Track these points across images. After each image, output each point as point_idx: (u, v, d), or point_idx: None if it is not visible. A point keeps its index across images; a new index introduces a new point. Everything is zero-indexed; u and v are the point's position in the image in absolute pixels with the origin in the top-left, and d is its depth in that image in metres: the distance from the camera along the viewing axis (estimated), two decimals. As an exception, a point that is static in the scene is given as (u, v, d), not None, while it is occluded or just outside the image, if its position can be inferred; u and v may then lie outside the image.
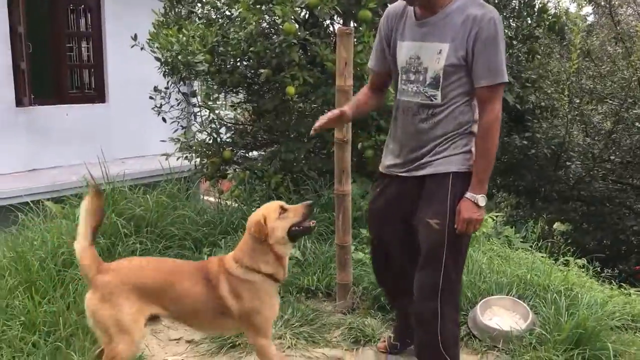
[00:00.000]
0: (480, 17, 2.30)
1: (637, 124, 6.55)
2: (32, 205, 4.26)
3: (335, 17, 5.09)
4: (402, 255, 2.78)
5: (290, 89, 4.62)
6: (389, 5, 4.89)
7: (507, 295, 3.46)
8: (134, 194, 4.49)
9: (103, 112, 8.49)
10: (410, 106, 2.49)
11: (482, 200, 2.40)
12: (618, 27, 7.29)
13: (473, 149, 2.46)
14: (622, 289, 4.16)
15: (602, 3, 7.23)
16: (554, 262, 4.42)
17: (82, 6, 8.40)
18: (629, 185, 7.66)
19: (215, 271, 2.52)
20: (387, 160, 2.68)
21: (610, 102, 6.73)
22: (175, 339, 3.29)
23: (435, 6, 2.39)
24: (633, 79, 6.54)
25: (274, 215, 2.47)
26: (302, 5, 4.43)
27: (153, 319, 2.54)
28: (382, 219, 2.78)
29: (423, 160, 2.49)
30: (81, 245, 2.42)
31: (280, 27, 4.55)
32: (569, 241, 7.44)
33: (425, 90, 2.44)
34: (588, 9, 10.15)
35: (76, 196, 4.54)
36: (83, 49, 8.53)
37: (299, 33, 4.52)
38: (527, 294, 3.49)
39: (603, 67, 7.37)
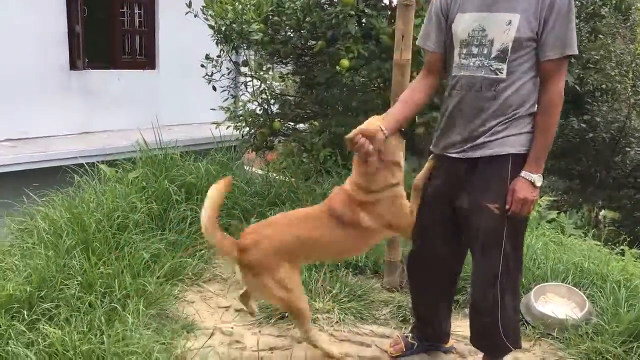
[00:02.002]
0: None
1: None
2: (87, 167, 4.32)
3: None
4: (445, 246, 2.60)
5: (345, 62, 4.54)
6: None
7: (563, 283, 3.37)
8: (185, 162, 4.52)
9: (153, 78, 8.57)
10: (472, 82, 2.34)
11: (538, 180, 2.29)
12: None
13: (534, 131, 2.34)
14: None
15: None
16: (609, 251, 4.29)
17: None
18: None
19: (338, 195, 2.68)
20: (440, 140, 2.52)
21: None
22: (224, 307, 3.32)
23: None
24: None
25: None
26: (362, -24, 4.32)
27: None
28: (429, 205, 2.60)
29: (480, 141, 2.35)
30: (214, 236, 2.49)
31: (338, -2, 4.48)
32: (620, 229, 7.22)
33: (491, 63, 2.30)
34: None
35: (129, 160, 4.61)
36: (136, 14, 8.58)
37: (357, 5, 4.42)
38: (584, 282, 3.39)
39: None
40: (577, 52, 2.28)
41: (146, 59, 8.68)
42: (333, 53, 4.82)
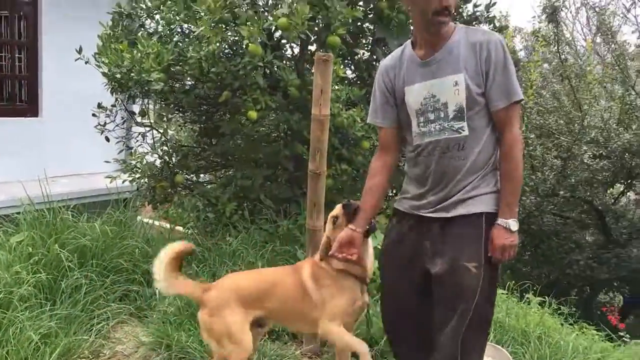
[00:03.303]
0: (487, 42, 2.29)
1: (585, 159, 6.71)
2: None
3: (298, 42, 4.92)
4: (419, 308, 2.53)
5: (252, 113, 4.38)
6: (350, 29, 4.91)
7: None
8: (78, 221, 4.09)
9: (36, 126, 7.89)
10: (437, 145, 2.38)
11: (514, 224, 2.29)
12: (564, 65, 7.50)
13: (499, 188, 2.38)
14: (586, 330, 4.14)
15: (551, 41, 7.41)
16: (516, 300, 4.37)
17: (18, 14, 7.82)
18: (570, 218, 7.86)
19: (303, 264, 2.79)
20: (408, 201, 2.54)
21: (562, 138, 6.87)
22: None
23: (439, 42, 2.36)
24: (584, 116, 6.72)
25: (330, 227, 2.68)
26: (270, 27, 4.21)
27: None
28: (400, 266, 2.55)
29: (454, 199, 2.36)
30: (179, 281, 2.65)
31: (243, 48, 4.33)
32: (512, 273, 7.54)
33: (451, 124, 2.35)
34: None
35: (8, 219, 4.10)
36: (16, 58, 7.92)
37: (265, 55, 4.29)
38: (506, 339, 3.37)
39: (549, 103, 7.56)
40: (522, 97, 2.35)
41: (27, 105, 7.99)
42: (237, 103, 4.65)
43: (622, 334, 4.61)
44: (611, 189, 8.05)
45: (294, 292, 2.67)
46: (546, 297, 4.54)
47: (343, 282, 2.63)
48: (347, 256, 2.52)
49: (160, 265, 2.61)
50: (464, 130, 2.34)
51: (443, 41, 2.35)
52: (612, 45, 8.07)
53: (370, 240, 2.70)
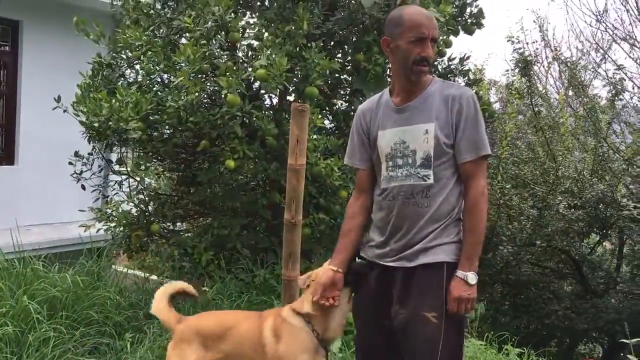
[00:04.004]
0: (460, 96, 2.36)
1: (560, 209, 6.79)
2: None
3: (277, 92, 4.99)
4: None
5: (230, 163, 4.38)
6: (329, 80, 5.00)
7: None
8: (48, 272, 3.99)
9: (11, 174, 7.81)
10: (402, 190, 2.42)
11: (472, 277, 2.30)
12: (538, 117, 7.68)
13: (462, 238, 2.39)
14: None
15: (524, 94, 7.62)
16: (495, 352, 4.33)
17: (-2, 62, 7.85)
18: (548, 268, 7.90)
19: (269, 314, 2.72)
20: (372, 249, 2.55)
21: (537, 188, 6.97)
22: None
23: (415, 91, 2.44)
24: (558, 167, 6.84)
25: (325, 264, 2.57)
26: (249, 78, 4.27)
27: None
28: (370, 318, 2.55)
29: (417, 248, 2.37)
30: (160, 306, 2.79)
31: (222, 98, 4.37)
32: (493, 323, 7.49)
33: (417, 171, 2.40)
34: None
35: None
36: (-6, 106, 7.90)
37: (243, 105, 4.33)
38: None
39: (525, 154, 7.71)
40: (489, 152, 2.41)
41: (3, 153, 7.93)
42: (216, 152, 4.66)
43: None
44: (587, 239, 8.13)
45: (250, 340, 2.63)
46: (524, 349, 4.49)
47: (303, 341, 2.55)
48: (331, 301, 2.49)
49: (162, 291, 2.84)
50: (429, 179, 2.38)
51: (419, 91, 2.43)
52: (584, 99, 8.33)
53: (346, 296, 2.58)
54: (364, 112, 2.62)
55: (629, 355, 3.59)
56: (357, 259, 2.54)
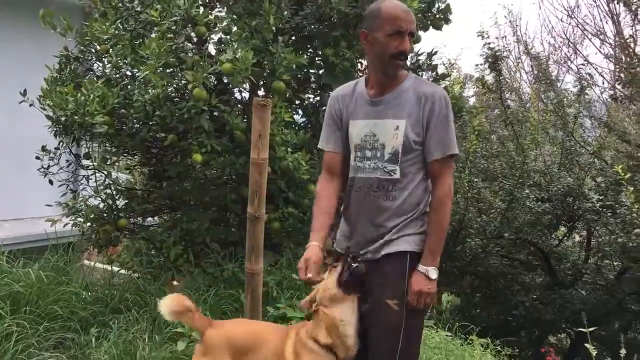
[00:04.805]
0: (432, 95, 2.40)
1: (527, 202, 6.90)
2: None
3: (245, 86, 5.00)
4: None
5: (197, 157, 4.39)
6: (298, 75, 5.02)
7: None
8: (12, 267, 3.97)
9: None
10: (369, 182, 2.47)
11: (433, 272, 2.37)
12: (508, 112, 7.79)
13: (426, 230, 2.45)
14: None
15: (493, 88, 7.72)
16: (461, 342, 4.41)
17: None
18: (517, 260, 8.02)
19: (291, 331, 2.65)
20: (341, 241, 2.62)
21: (505, 181, 7.08)
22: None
23: (390, 85, 2.48)
24: (525, 161, 6.95)
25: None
26: (215, 72, 4.27)
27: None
28: None
29: (383, 240, 2.43)
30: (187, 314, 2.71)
31: (189, 92, 4.37)
32: (461, 314, 7.61)
33: (385, 165, 2.44)
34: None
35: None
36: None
37: (210, 100, 4.33)
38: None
39: (494, 148, 7.81)
40: (457, 152, 2.47)
41: (-31, 147, 7.80)
42: (185, 146, 4.66)
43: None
44: (556, 232, 8.28)
45: (272, 357, 2.60)
46: (488, 339, 4.58)
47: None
48: (317, 277, 2.47)
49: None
50: (395, 174, 2.43)
51: (394, 85, 2.47)
52: (551, 93, 8.46)
53: (353, 306, 2.48)
54: (338, 97, 2.65)
55: (586, 344, 3.68)
56: (354, 262, 2.44)
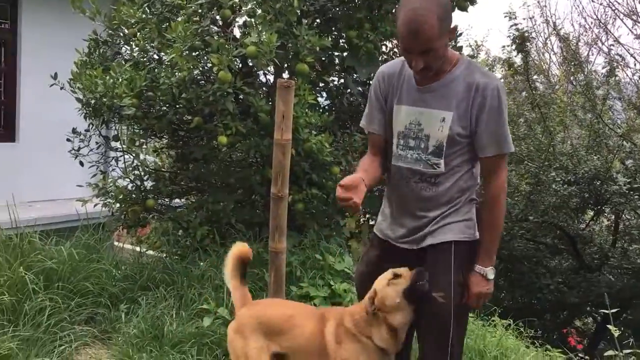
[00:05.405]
0: (484, 86, 2.24)
1: (553, 185, 6.84)
2: None
3: (270, 69, 5.04)
4: None
5: (222, 139, 4.46)
6: (322, 57, 5.04)
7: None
8: (45, 244, 4.11)
9: (10, 151, 7.91)
10: (411, 174, 2.39)
11: (491, 273, 2.32)
12: (534, 93, 7.70)
13: (474, 217, 2.38)
14: (548, 352, 4.21)
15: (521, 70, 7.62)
16: (483, 323, 4.43)
17: (-4, 39, 7.91)
18: (542, 244, 7.98)
19: (330, 316, 2.60)
20: (384, 226, 2.56)
21: (531, 164, 7.02)
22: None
23: (439, 72, 2.30)
24: (552, 143, 6.88)
25: (384, 283, 2.39)
26: (239, 55, 4.32)
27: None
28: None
29: (425, 231, 2.37)
30: (232, 284, 2.82)
31: (214, 74, 4.43)
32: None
33: (428, 158, 2.34)
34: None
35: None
36: (-6, 83, 7.97)
37: (234, 82, 4.38)
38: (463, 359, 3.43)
39: (521, 130, 7.74)
40: (512, 149, 2.33)
41: (4, 130, 8.02)
42: (210, 129, 4.73)
43: (581, 355, 4.67)
44: (583, 215, 8.20)
45: (311, 341, 2.58)
46: (510, 321, 4.60)
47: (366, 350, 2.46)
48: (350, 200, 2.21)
49: (227, 264, 2.89)
50: (439, 167, 2.33)
51: (443, 73, 2.30)
52: (580, 75, 8.32)
53: (411, 313, 2.42)
54: (384, 76, 2.50)
55: (608, 325, 3.68)
56: (421, 279, 2.35)
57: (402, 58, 2.41)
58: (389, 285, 2.39)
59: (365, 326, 2.46)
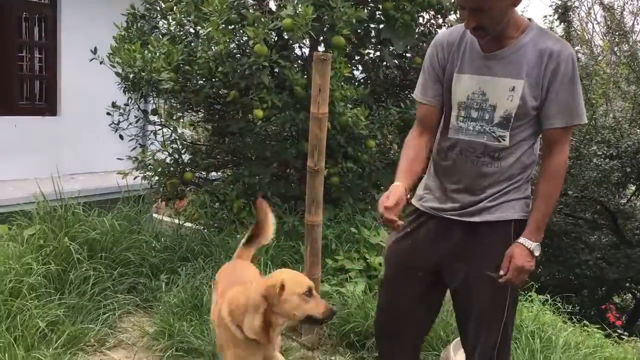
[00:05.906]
0: (558, 53, 2.09)
1: (594, 160, 6.70)
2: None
3: (305, 42, 5.02)
4: (415, 313, 2.42)
5: (258, 112, 4.49)
6: (358, 30, 4.99)
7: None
8: (89, 216, 4.23)
9: (53, 125, 8.11)
10: (472, 147, 2.22)
11: (537, 249, 2.14)
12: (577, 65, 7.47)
13: (530, 195, 2.26)
14: (586, 328, 4.17)
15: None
16: (519, 297, 4.40)
17: (37, 15, 8.05)
18: (581, 219, 7.84)
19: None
20: (428, 199, 2.37)
21: (571, 137, 6.86)
22: None
23: (505, 38, 2.15)
24: (594, 116, 6.71)
25: (298, 290, 2.19)
26: (275, 28, 4.31)
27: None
28: (405, 263, 2.41)
29: (481, 205, 2.22)
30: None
31: (250, 48, 4.44)
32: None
33: (493, 130, 2.18)
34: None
35: (24, 214, 4.25)
36: (36, 59, 8.14)
37: (270, 56, 4.39)
38: (500, 333, 3.42)
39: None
40: (584, 121, 2.21)
41: (46, 104, 8.21)
42: (246, 102, 4.76)
43: (620, 331, 4.62)
44: (625, 190, 8.01)
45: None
46: (548, 296, 4.56)
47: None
48: (396, 222, 2.13)
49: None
50: (504, 140, 2.18)
51: (510, 39, 2.15)
52: (625, 46, 8.03)
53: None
54: (443, 43, 2.30)
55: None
56: (327, 319, 2.25)
57: (462, 27, 2.25)
58: (300, 297, 2.19)
59: (239, 314, 2.30)
